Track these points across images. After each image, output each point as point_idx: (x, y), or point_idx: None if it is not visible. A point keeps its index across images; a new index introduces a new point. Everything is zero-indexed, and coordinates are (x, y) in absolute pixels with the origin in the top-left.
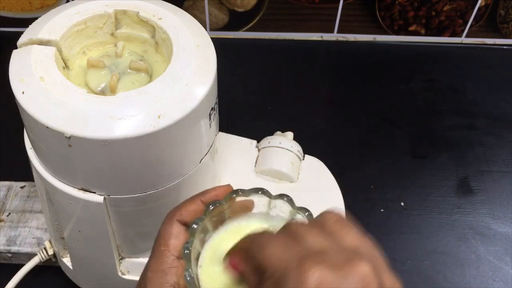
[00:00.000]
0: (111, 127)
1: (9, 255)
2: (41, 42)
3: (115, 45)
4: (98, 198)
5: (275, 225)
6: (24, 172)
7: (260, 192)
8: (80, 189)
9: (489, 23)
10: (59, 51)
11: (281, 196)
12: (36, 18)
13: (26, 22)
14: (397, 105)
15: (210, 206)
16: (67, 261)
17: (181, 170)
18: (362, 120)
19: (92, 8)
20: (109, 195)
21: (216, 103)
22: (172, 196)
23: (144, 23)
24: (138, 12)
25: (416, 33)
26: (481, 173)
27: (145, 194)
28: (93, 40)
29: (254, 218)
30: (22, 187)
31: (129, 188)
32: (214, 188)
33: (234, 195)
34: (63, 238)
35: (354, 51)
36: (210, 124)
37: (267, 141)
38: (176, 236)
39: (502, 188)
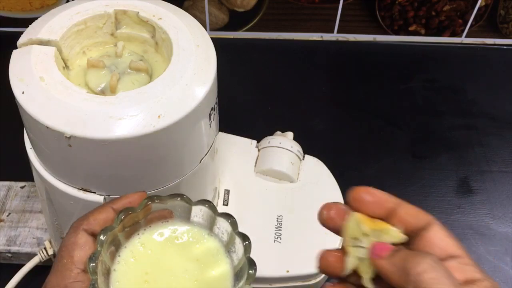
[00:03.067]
0: (111, 127)
1: (9, 255)
2: (41, 42)
3: (115, 45)
4: (98, 198)
5: (195, 232)
6: (24, 172)
7: (178, 199)
8: (80, 189)
9: (489, 23)
10: (59, 51)
11: (202, 202)
12: (36, 18)
13: (26, 22)
14: (397, 105)
15: (122, 214)
16: None
17: (181, 170)
18: (362, 120)
19: (92, 8)
20: (109, 195)
21: (216, 103)
22: None
23: (144, 23)
24: (138, 12)
25: (416, 33)
26: (481, 173)
27: None
28: (93, 40)
29: (168, 227)
30: (22, 187)
31: (129, 188)
32: (127, 195)
33: (150, 202)
34: (63, 238)
35: (354, 51)
36: (210, 124)
37: (267, 141)
38: (81, 247)
39: (502, 188)
